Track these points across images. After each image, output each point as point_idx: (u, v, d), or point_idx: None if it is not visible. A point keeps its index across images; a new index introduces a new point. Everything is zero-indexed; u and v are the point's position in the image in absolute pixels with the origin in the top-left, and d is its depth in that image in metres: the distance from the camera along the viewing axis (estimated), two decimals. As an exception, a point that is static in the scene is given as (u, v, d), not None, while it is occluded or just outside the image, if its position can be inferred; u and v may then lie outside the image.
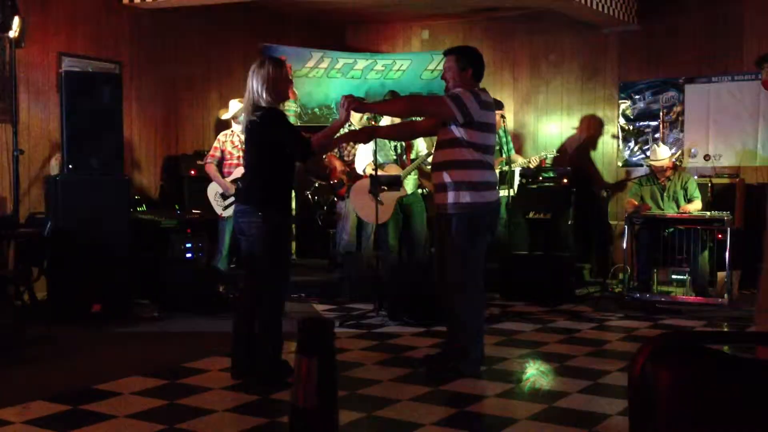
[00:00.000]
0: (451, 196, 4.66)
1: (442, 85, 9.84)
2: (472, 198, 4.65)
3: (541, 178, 8.14)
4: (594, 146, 8.86)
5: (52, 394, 4.28)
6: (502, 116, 8.06)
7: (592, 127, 8.89)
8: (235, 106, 7.32)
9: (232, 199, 7.09)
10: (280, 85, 4.46)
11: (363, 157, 7.36)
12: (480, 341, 4.79)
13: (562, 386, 4.55)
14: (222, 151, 7.35)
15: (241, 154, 7.19)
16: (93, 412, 4.02)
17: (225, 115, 7.66)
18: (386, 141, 7.34)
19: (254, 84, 4.42)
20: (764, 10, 7.87)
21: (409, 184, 7.48)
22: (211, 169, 7.32)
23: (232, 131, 7.39)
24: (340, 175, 7.78)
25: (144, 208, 7.24)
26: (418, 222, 7.56)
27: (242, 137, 7.11)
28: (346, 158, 7.90)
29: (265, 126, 4.42)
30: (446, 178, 4.67)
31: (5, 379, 4.66)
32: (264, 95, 4.40)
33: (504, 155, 7.96)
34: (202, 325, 6.20)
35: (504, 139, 8.16)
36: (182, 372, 4.77)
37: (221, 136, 7.41)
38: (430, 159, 7.49)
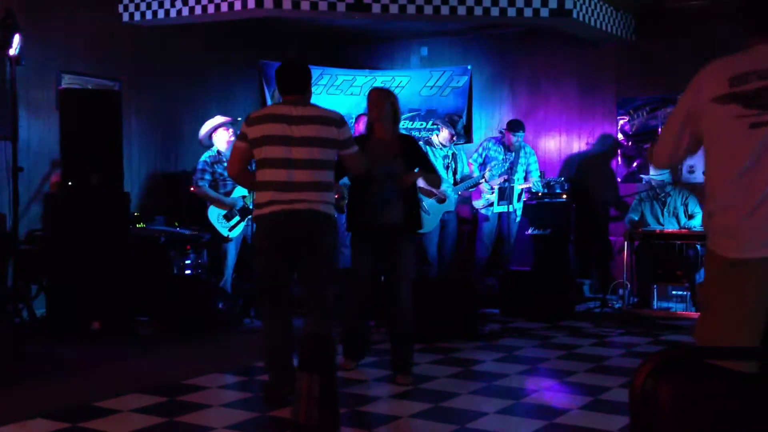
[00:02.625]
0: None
1: (441, 101, 9.92)
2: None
3: (540, 194, 8.15)
4: (593, 162, 8.86)
5: (52, 411, 4.27)
6: (500, 134, 8.14)
7: (591, 144, 8.90)
8: (217, 120, 7.17)
9: (238, 218, 7.04)
10: None
11: None
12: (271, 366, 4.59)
13: (563, 402, 4.54)
14: (212, 174, 7.04)
15: None
16: (92, 430, 4.00)
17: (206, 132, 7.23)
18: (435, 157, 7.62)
19: None
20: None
21: (451, 201, 7.67)
22: (208, 190, 6.99)
23: (218, 152, 7.10)
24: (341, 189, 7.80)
25: (143, 225, 7.23)
26: (450, 239, 7.68)
27: (228, 156, 7.11)
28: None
29: None
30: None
31: (4, 396, 4.64)
32: None
33: (515, 174, 8.01)
34: (201, 342, 6.19)
35: (523, 159, 8.19)
36: (182, 389, 4.76)
37: (208, 159, 7.09)
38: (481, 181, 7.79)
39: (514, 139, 8.05)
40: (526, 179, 8.17)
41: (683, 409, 1.52)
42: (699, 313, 3.02)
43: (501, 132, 8.19)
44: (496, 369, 5.31)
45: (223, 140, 7.11)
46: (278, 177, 4.39)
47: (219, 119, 7.20)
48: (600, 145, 8.85)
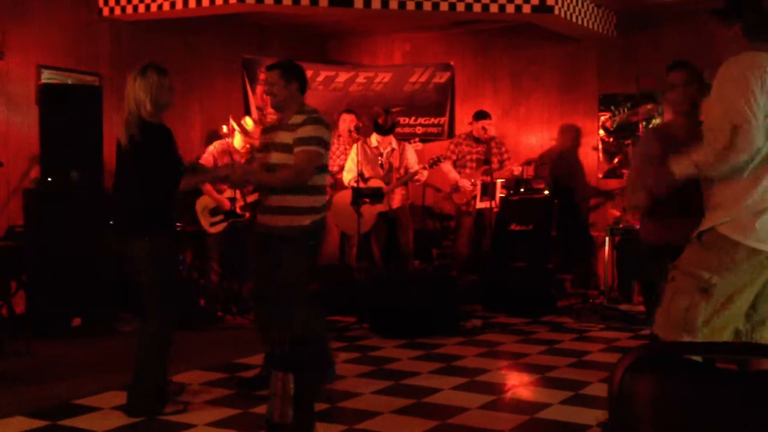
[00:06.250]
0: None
1: (424, 97, 9.86)
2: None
3: (523, 190, 8.17)
4: (575, 158, 8.90)
5: (32, 409, 4.24)
6: (483, 127, 8.12)
7: (572, 139, 8.93)
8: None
9: (221, 216, 6.97)
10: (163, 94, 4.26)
11: (350, 169, 7.37)
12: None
13: (544, 397, 4.56)
14: (216, 166, 6.77)
15: None
16: (73, 428, 3.98)
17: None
18: (372, 154, 7.43)
19: (138, 94, 4.19)
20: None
21: (396, 198, 7.53)
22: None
23: (228, 143, 6.97)
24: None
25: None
26: (404, 235, 7.59)
27: (241, 150, 6.97)
28: (330, 169, 7.89)
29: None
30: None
31: (-17, 394, 4.61)
32: (147, 106, 4.20)
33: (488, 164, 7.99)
34: (182, 339, 6.14)
35: (495, 150, 8.19)
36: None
37: (214, 151, 6.93)
38: (418, 176, 7.60)
39: (481, 126, 8.04)
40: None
41: (661, 404, 1.53)
42: (693, 298, 3.11)
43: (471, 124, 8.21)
44: (478, 364, 5.32)
45: (239, 141, 6.97)
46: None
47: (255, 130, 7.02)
48: (581, 141, 8.89)
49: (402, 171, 7.55)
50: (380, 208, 7.37)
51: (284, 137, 4.57)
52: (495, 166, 8.01)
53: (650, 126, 3.77)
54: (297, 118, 4.58)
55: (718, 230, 3.10)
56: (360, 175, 7.07)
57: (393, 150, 7.59)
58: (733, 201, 3.08)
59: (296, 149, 4.49)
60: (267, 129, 4.90)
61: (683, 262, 3.20)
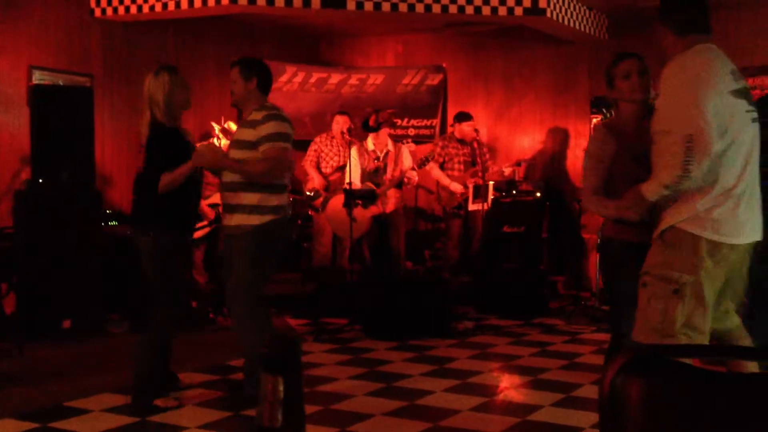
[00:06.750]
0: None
1: (416, 99, 9.87)
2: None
3: (514, 192, 8.18)
4: (567, 160, 8.92)
5: (22, 411, 4.22)
6: (476, 129, 8.12)
7: (564, 141, 8.95)
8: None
9: (204, 222, 6.94)
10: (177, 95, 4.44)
11: (353, 171, 7.29)
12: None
13: (536, 399, 4.57)
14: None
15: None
16: (63, 430, 3.97)
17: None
18: (369, 158, 7.41)
19: (152, 95, 4.42)
20: (735, 25, 7.99)
21: (391, 201, 7.52)
22: None
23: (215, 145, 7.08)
24: (317, 187, 7.77)
25: (115, 222, 7.16)
26: (395, 237, 7.57)
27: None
28: (323, 170, 7.90)
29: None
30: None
31: (-27, 396, 4.59)
32: (161, 105, 4.37)
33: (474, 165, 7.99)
34: (174, 341, 6.13)
35: (478, 151, 8.18)
36: (154, 388, 4.71)
37: None
38: (408, 177, 7.60)
39: (467, 129, 8.01)
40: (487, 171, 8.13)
41: (652, 406, 1.53)
42: (670, 302, 3.13)
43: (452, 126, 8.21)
44: (470, 366, 5.32)
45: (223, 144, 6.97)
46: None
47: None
48: (573, 143, 8.90)
49: (398, 173, 7.55)
50: (374, 210, 7.38)
51: (242, 134, 4.48)
52: (478, 168, 8.00)
53: (601, 124, 3.79)
54: (256, 115, 4.45)
55: (678, 227, 3.12)
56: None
57: (388, 152, 7.60)
58: (692, 199, 3.11)
59: (264, 147, 4.36)
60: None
61: (651, 266, 3.20)
